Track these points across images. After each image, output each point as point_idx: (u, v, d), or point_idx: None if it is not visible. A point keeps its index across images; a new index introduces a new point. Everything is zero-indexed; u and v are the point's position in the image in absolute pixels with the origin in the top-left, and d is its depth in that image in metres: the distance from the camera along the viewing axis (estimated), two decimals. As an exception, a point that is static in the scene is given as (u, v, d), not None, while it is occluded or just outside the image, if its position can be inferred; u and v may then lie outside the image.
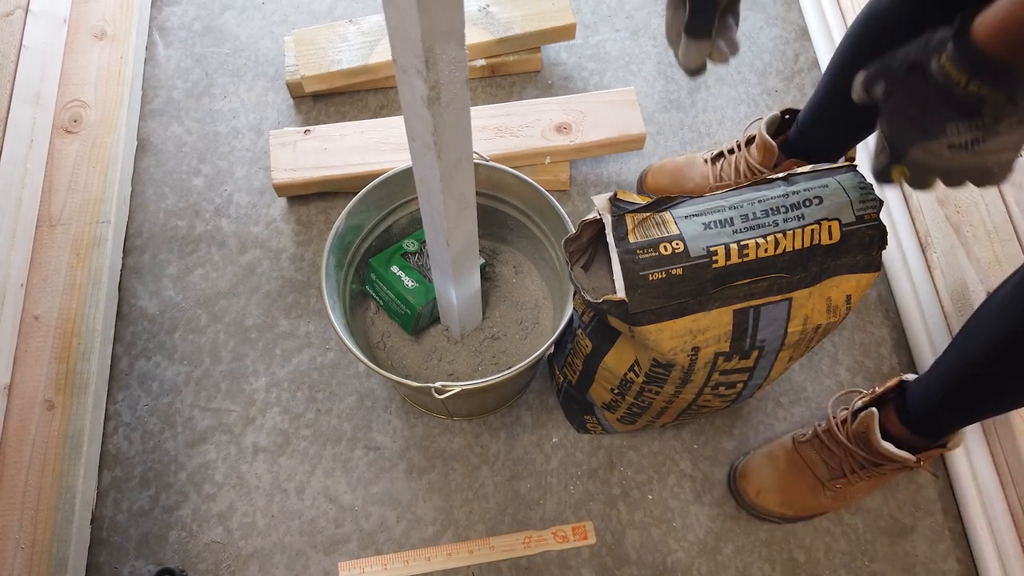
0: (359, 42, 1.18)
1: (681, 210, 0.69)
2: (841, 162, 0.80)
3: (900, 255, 1.04)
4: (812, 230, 0.67)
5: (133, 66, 1.19)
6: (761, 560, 0.90)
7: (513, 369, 0.77)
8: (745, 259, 0.66)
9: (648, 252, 0.67)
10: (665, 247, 0.67)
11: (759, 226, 0.67)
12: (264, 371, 1.01)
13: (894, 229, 1.04)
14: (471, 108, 0.60)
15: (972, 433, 0.91)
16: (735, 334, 0.69)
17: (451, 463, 0.95)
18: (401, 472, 0.95)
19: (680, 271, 0.66)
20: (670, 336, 0.67)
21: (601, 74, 1.26)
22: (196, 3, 1.32)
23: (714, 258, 0.66)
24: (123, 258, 1.08)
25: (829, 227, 0.67)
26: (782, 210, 0.68)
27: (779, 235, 0.67)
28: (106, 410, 0.98)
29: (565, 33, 1.20)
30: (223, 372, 1.01)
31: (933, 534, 0.92)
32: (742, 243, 0.66)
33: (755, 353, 0.72)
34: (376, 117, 1.18)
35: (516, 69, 1.24)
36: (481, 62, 1.21)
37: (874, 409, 0.80)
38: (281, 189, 1.08)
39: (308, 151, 1.08)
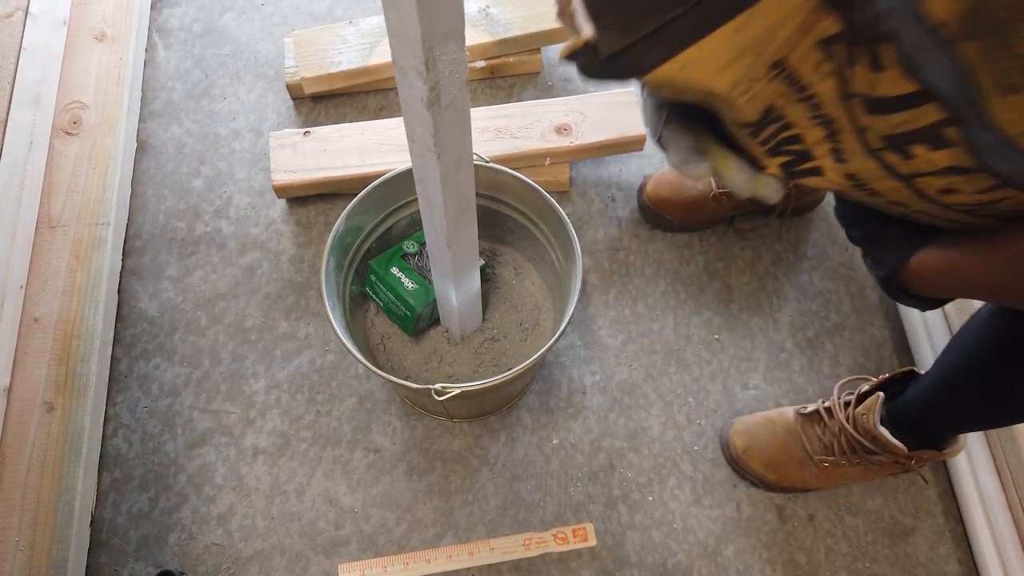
0: (359, 43, 1.18)
1: None
2: None
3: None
4: None
5: (133, 68, 1.19)
6: (762, 562, 0.90)
7: (513, 371, 0.76)
8: None
9: None
10: None
11: None
12: (264, 373, 1.00)
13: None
14: (471, 109, 0.60)
15: (973, 434, 0.91)
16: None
17: (451, 465, 0.95)
18: (401, 474, 0.94)
19: None
20: (710, 68, 0.38)
21: (601, 75, 1.25)
22: (196, 5, 1.32)
23: None
24: (123, 260, 1.08)
25: None
26: None
27: None
28: (106, 412, 0.98)
29: (565, 34, 1.19)
30: (223, 374, 1.00)
31: (934, 536, 0.92)
32: None
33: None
34: (376, 118, 1.18)
35: (516, 70, 1.23)
36: (481, 63, 1.21)
37: (880, 393, 0.80)
38: (281, 191, 1.08)
39: (308, 152, 1.08)
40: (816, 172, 0.46)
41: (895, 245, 0.59)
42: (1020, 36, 0.33)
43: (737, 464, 0.92)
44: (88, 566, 0.89)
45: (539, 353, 0.77)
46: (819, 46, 0.38)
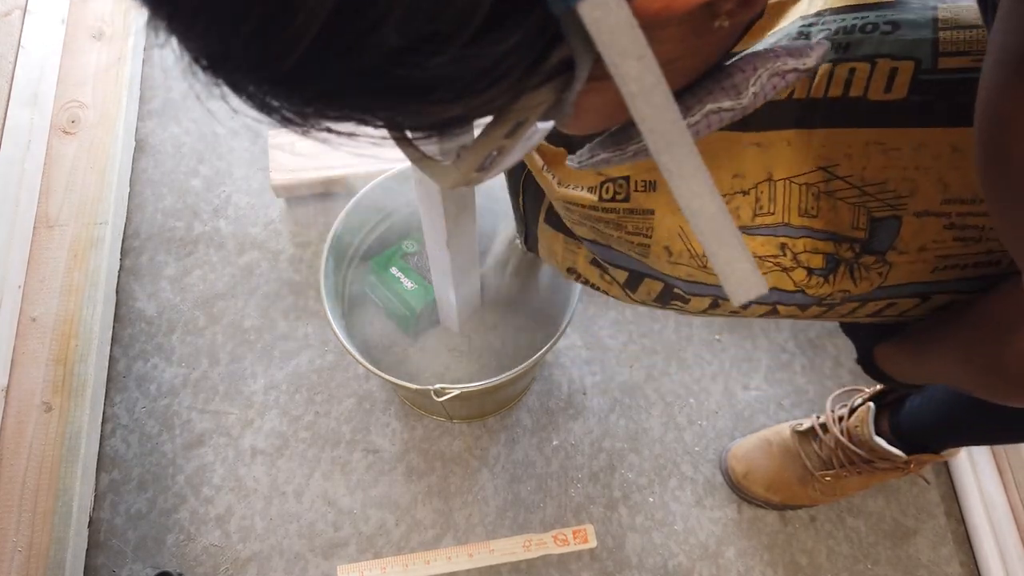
0: (358, 42, 1.18)
1: None
2: None
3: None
4: (851, 69, 0.39)
5: (131, 66, 1.19)
6: (763, 564, 0.90)
7: (513, 371, 0.76)
8: None
9: None
10: None
11: None
12: (262, 373, 1.00)
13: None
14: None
15: (975, 435, 0.91)
16: None
17: (451, 466, 0.95)
18: (400, 475, 0.94)
19: None
20: (551, 259, 0.62)
21: (601, 74, 1.25)
22: (195, 3, 1.31)
23: None
24: (121, 259, 1.07)
25: (892, 71, 0.38)
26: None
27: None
28: (104, 412, 0.97)
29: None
30: (221, 374, 1.00)
31: (936, 537, 0.91)
32: None
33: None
34: (375, 118, 1.17)
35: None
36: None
37: (871, 404, 0.80)
38: (280, 190, 1.07)
39: (307, 152, 1.08)
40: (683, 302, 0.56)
41: (859, 336, 0.64)
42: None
43: (740, 490, 0.92)
44: (86, 567, 0.88)
45: (539, 353, 0.76)
46: (593, 262, 0.58)
